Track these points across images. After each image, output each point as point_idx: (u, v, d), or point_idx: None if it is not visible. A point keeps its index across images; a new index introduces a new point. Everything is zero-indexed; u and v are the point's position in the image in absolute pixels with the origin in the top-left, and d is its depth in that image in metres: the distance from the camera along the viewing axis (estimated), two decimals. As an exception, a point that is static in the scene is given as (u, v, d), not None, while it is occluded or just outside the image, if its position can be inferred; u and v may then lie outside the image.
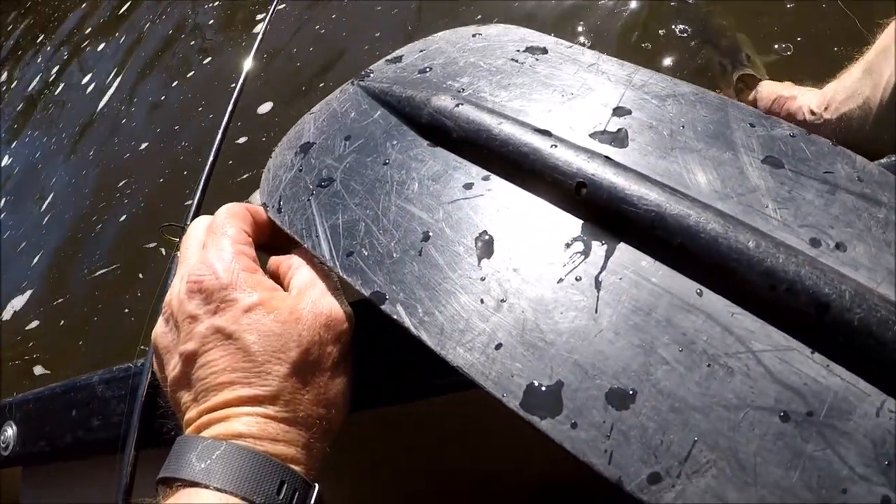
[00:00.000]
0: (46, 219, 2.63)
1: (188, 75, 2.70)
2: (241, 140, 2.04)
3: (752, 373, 0.37)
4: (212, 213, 0.52)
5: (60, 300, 2.10)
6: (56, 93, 3.60)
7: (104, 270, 2.05)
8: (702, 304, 0.39)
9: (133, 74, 3.01)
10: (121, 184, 2.40)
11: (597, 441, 0.35)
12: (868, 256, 0.40)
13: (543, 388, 0.37)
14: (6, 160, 3.41)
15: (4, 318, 2.27)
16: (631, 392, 0.36)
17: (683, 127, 0.46)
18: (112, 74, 3.17)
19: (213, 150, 0.66)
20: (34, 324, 2.11)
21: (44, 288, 2.23)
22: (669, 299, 0.39)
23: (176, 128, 2.44)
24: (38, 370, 1.94)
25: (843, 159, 0.45)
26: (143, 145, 2.48)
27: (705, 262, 0.39)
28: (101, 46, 3.58)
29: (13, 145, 3.47)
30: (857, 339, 0.36)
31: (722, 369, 0.37)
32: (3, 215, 2.97)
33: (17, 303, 2.28)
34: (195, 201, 0.63)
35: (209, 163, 0.65)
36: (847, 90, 0.84)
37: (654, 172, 0.44)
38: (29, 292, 2.29)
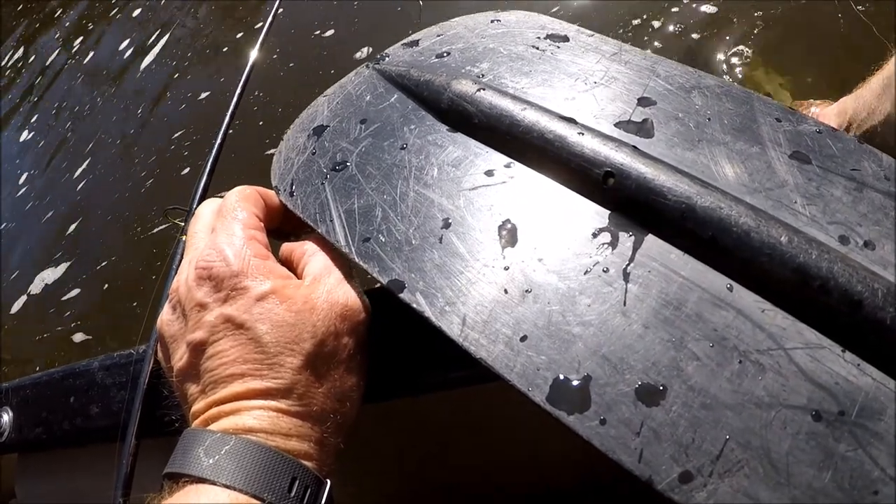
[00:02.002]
0: (80, 186, 2.55)
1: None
2: (259, 121, 2.01)
3: (784, 370, 0.35)
4: (218, 196, 0.50)
5: (104, 263, 2.03)
6: (70, 68, 3.52)
7: (154, 231, 2.00)
8: (732, 300, 0.37)
9: (175, 50, 2.94)
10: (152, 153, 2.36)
11: (626, 438, 0.34)
12: (898, 255, 0.39)
13: (571, 383, 0.35)
14: (26, 134, 3.31)
15: (33, 292, 2.20)
16: (661, 388, 0.35)
17: (710, 119, 0.45)
18: (153, 37, 3.10)
19: (221, 131, 0.64)
20: (74, 292, 2.05)
21: (84, 256, 2.16)
22: (700, 294, 0.37)
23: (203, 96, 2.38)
24: (79, 337, 1.88)
25: (869, 157, 0.43)
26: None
27: (736, 256, 0.38)
28: (135, 13, 3.50)
29: (33, 120, 3.37)
30: (890, 338, 0.35)
31: (753, 366, 0.35)
32: (24, 189, 2.85)
33: (49, 275, 2.21)
34: (201, 183, 0.60)
35: (216, 145, 0.62)
36: (867, 106, 0.82)
37: (681, 164, 0.42)
38: (62, 262, 2.21)
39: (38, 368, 0.68)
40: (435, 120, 0.47)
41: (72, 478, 0.71)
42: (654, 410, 0.34)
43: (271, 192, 0.50)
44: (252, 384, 0.42)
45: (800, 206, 0.41)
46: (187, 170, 2.09)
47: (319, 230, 0.45)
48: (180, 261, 0.50)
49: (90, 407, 0.63)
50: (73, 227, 2.39)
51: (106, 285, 1.97)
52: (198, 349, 0.43)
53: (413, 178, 0.45)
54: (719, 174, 0.42)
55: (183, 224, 0.57)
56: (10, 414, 0.72)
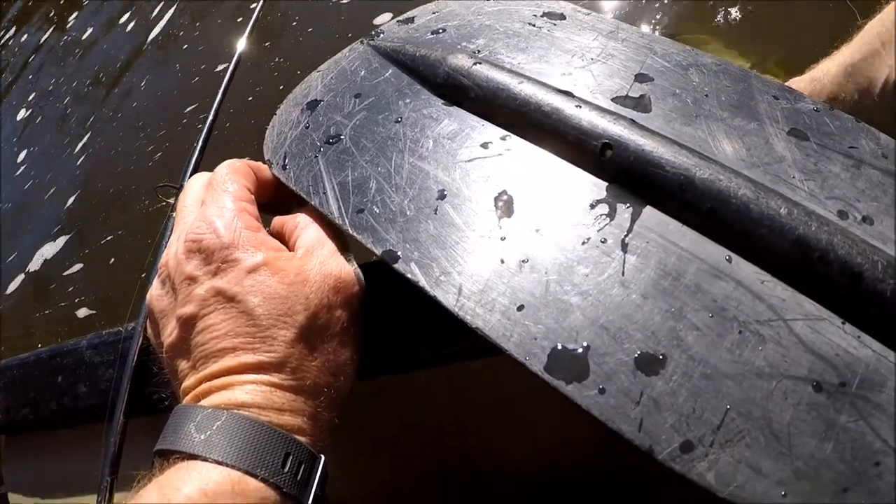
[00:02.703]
0: (80, 161, 2.46)
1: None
2: (249, 99, 1.95)
3: (784, 341, 0.34)
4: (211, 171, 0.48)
5: (108, 238, 1.94)
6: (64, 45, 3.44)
7: (160, 205, 1.91)
8: (732, 271, 0.36)
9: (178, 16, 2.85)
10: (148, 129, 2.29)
11: (626, 407, 0.33)
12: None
13: (569, 352, 0.34)
14: (24, 112, 3.24)
15: (32, 269, 2.11)
16: (661, 357, 0.34)
17: (707, 96, 0.44)
18: (156, 11, 2.99)
19: (214, 107, 0.62)
20: (76, 267, 1.95)
21: (84, 230, 2.06)
22: (699, 265, 0.36)
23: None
24: (83, 312, 1.79)
25: (866, 135, 0.43)
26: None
27: (735, 228, 0.37)
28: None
29: (30, 98, 3.29)
30: (890, 310, 0.34)
31: (753, 337, 0.34)
32: (23, 168, 2.77)
33: (49, 250, 2.11)
34: (192, 161, 0.59)
35: (208, 121, 0.61)
36: (827, 92, 0.81)
37: (679, 138, 0.41)
38: (63, 238, 2.12)
39: (39, 345, 0.66)
40: (430, 94, 0.46)
41: (60, 460, 0.69)
42: (654, 380, 0.33)
43: (263, 166, 0.48)
44: (244, 358, 0.40)
45: (798, 181, 0.40)
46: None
47: (312, 202, 0.44)
48: (170, 238, 0.49)
49: (78, 386, 0.61)
50: (71, 200, 2.28)
51: (112, 259, 1.89)
52: (188, 323, 0.42)
53: (408, 151, 0.44)
54: (717, 149, 0.41)
55: (173, 201, 0.55)
56: None
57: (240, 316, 0.41)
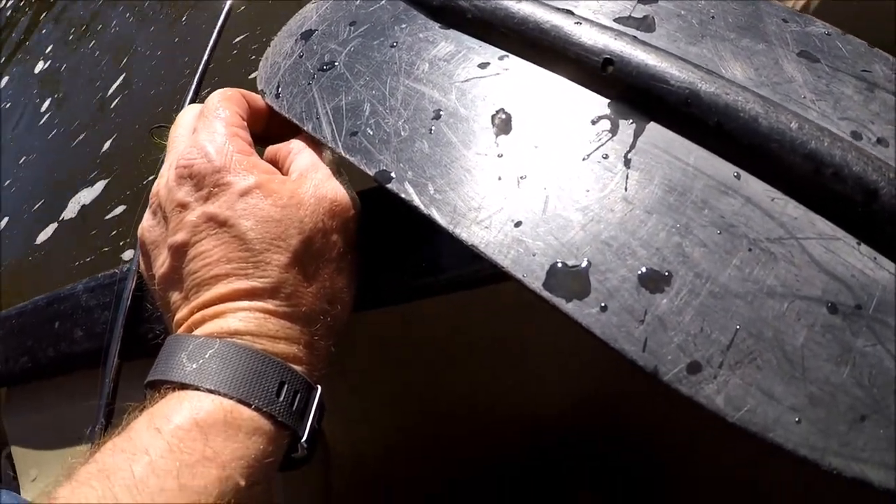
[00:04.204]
0: (115, 103, 2.31)
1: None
2: (239, 38, 1.81)
3: (797, 260, 0.30)
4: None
5: (151, 178, 1.80)
6: None
7: None
8: (740, 188, 0.32)
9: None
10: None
11: (629, 326, 0.28)
12: (912, 155, 0.33)
13: (569, 268, 0.30)
14: (42, 64, 3.07)
15: (66, 217, 2.01)
16: (666, 274, 0.29)
17: (713, 17, 0.39)
18: None
19: (210, 44, 0.57)
20: (118, 210, 1.82)
21: (124, 172, 1.93)
22: (705, 181, 0.32)
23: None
24: (129, 254, 1.67)
25: (880, 60, 0.38)
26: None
27: (744, 143, 0.32)
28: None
29: (48, 49, 3.12)
30: (907, 230, 0.30)
31: (764, 254, 0.30)
32: (46, 117, 2.63)
33: (85, 196, 2.02)
34: (187, 98, 0.54)
35: (203, 59, 0.56)
36: None
37: (684, 57, 0.36)
38: (102, 182, 2.01)
39: (98, 275, 0.60)
40: (427, 18, 0.42)
41: (59, 408, 0.65)
42: (659, 297, 0.29)
43: (255, 95, 0.44)
44: (237, 284, 0.36)
45: (809, 101, 0.35)
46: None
47: (305, 128, 0.40)
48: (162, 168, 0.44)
49: (74, 331, 0.57)
50: (108, 144, 2.14)
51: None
52: (179, 252, 0.38)
53: (403, 73, 0.39)
54: (724, 68, 0.36)
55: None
56: None
57: (232, 241, 0.36)
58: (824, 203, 0.31)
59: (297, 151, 0.41)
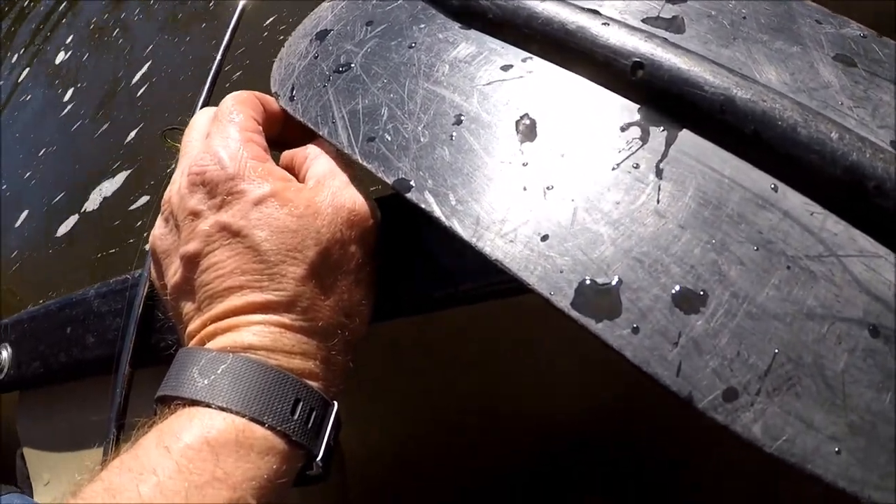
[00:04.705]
0: (140, 91, 2.06)
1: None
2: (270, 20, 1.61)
3: (838, 279, 0.28)
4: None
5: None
6: None
7: None
8: (778, 201, 0.30)
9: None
10: None
11: (663, 349, 0.26)
12: (954, 167, 0.31)
13: (598, 286, 0.28)
14: (62, 55, 2.83)
15: (88, 209, 1.81)
16: (701, 293, 0.27)
17: (745, 18, 0.37)
18: None
19: (225, 40, 0.55)
20: (142, 200, 1.64)
21: (148, 163, 1.75)
22: (742, 193, 0.30)
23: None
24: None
25: (919, 64, 0.35)
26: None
27: (782, 153, 0.30)
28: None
29: (69, 41, 2.88)
30: (954, 247, 0.28)
31: (804, 273, 0.28)
32: (70, 107, 2.40)
33: (108, 187, 1.80)
34: (200, 101, 0.52)
35: (216, 60, 0.53)
36: None
37: (717, 60, 0.34)
38: (124, 173, 1.80)
39: (109, 280, 0.58)
40: (446, 18, 0.39)
41: (71, 413, 0.63)
42: (694, 319, 0.27)
43: (270, 98, 0.41)
44: (251, 297, 0.34)
45: (846, 108, 0.33)
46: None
47: (321, 132, 0.38)
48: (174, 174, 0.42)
49: (86, 337, 0.55)
50: (133, 134, 1.92)
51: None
52: (192, 262, 0.36)
53: (422, 76, 0.37)
54: (758, 72, 0.34)
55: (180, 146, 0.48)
56: (10, 350, 0.64)
57: (246, 252, 0.34)
58: (866, 218, 0.29)
59: (313, 157, 0.38)
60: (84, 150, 2.10)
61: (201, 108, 0.53)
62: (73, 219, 1.87)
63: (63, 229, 1.87)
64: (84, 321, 0.55)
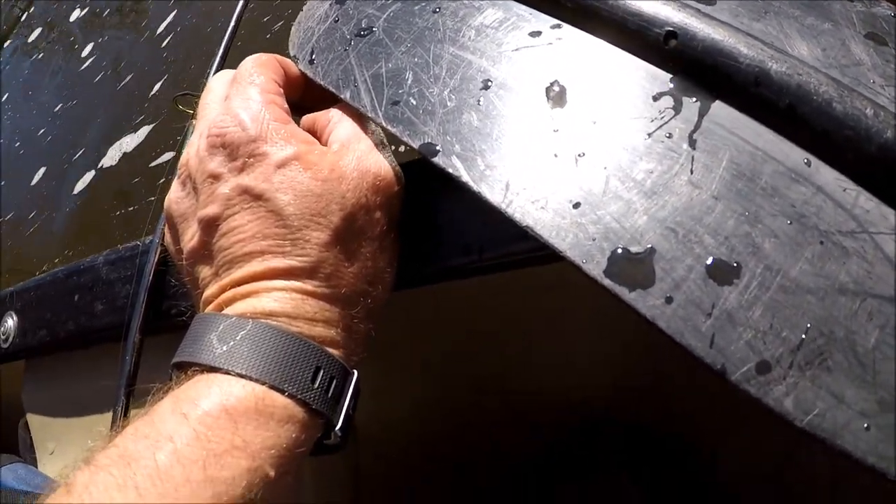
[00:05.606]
0: (166, 41, 1.91)
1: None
2: None
3: (870, 256, 0.27)
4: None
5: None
6: None
7: None
8: (811, 175, 0.28)
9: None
10: None
11: (696, 320, 0.25)
12: None
13: (632, 255, 0.27)
14: (78, 12, 2.69)
15: (107, 164, 1.69)
16: (735, 265, 0.26)
17: None
18: None
19: (238, 7, 0.53)
20: (166, 156, 1.53)
21: (174, 116, 1.57)
22: (775, 166, 0.28)
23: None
24: None
25: (947, 45, 0.34)
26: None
27: (816, 128, 0.29)
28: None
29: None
30: None
31: (836, 248, 0.27)
32: (91, 60, 2.26)
33: (129, 142, 1.68)
34: (216, 62, 0.49)
35: (230, 26, 0.51)
36: None
37: (751, 32, 0.33)
38: (146, 128, 1.68)
39: (118, 247, 0.54)
40: None
41: (79, 381, 0.61)
42: (728, 290, 0.26)
43: (290, 62, 0.40)
44: (273, 262, 0.33)
45: (878, 86, 0.32)
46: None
47: (343, 96, 0.36)
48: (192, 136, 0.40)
49: (95, 304, 0.53)
50: (158, 86, 1.78)
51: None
52: (211, 225, 0.34)
53: (448, 41, 0.35)
54: (790, 46, 0.33)
55: (193, 113, 0.46)
56: (15, 319, 0.62)
57: (268, 216, 0.33)
58: (899, 195, 0.28)
59: (336, 121, 0.37)
60: (105, 103, 1.96)
61: (220, 59, 0.52)
62: (89, 175, 1.75)
63: (80, 185, 1.74)
64: (92, 289, 0.54)
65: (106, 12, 2.56)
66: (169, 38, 2.03)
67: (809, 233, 0.27)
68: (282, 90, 0.38)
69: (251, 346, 0.30)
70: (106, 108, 2.02)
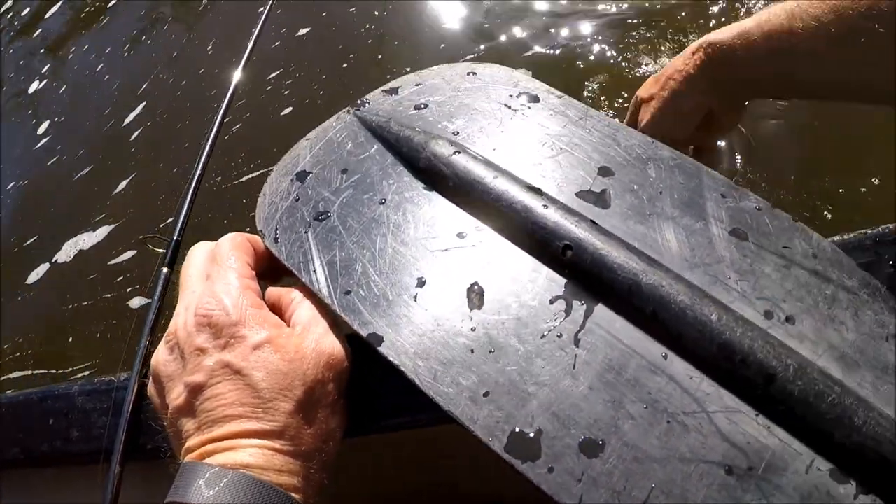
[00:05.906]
0: (134, 136, 2.24)
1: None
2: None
3: (705, 430, 0.48)
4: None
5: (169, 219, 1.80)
6: None
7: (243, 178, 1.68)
8: (666, 367, 0.50)
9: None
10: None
11: (569, 485, 0.46)
12: (813, 330, 0.51)
13: (525, 435, 0.48)
14: (35, 84, 3.07)
15: (60, 261, 2.02)
16: (600, 442, 0.47)
17: (661, 193, 0.57)
18: None
19: (202, 158, 0.73)
20: (127, 254, 1.89)
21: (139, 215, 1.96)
22: (639, 360, 0.50)
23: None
24: (136, 302, 1.75)
25: (800, 235, 0.56)
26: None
27: (673, 329, 0.50)
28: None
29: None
30: (797, 406, 0.47)
31: (679, 426, 0.48)
32: (47, 139, 2.60)
33: (85, 240, 2.02)
34: (182, 216, 0.69)
35: (195, 175, 0.72)
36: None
37: (632, 237, 0.54)
38: (107, 227, 2.03)
39: (94, 379, 0.73)
40: (412, 177, 0.59)
41: (52, 497, 0.79)
42: (594, 461, 0.47)
43: (257, 239, 0.61)
44: (248, 425, 0.52)
45: (733, 281, 0.53)
46: (288, 109, 1.87)
47: (303, 280, 0.57)
48: (162, 293, 0.61)
49: (70, 430, 0.72)
50: (123, 184, 2.17)
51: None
52: (196, 390, 0.54)
53: (391, 235, 0.56)
54: (664, 248, 0.54)
55: (162, 252, 0.66)
56: None
57: (245, 388, 0.53)
58: (732, 382, 0.49)
59: (298, 302, 0.58)
60: (62, 193, 2.26)
61: (188, 206, 0.72)
62: (44, 267, 2.02)
63: (34, 277, 2.04)
64: (68, 415, 0.73)
65: (62, 89, 2.79)
66: (137, 132, 2.29)
67: (660, 415, 0.48)
68: (254, 273, 0.59)
69: (233, 492, 0.49)
70: (63, 196, 2.27)
